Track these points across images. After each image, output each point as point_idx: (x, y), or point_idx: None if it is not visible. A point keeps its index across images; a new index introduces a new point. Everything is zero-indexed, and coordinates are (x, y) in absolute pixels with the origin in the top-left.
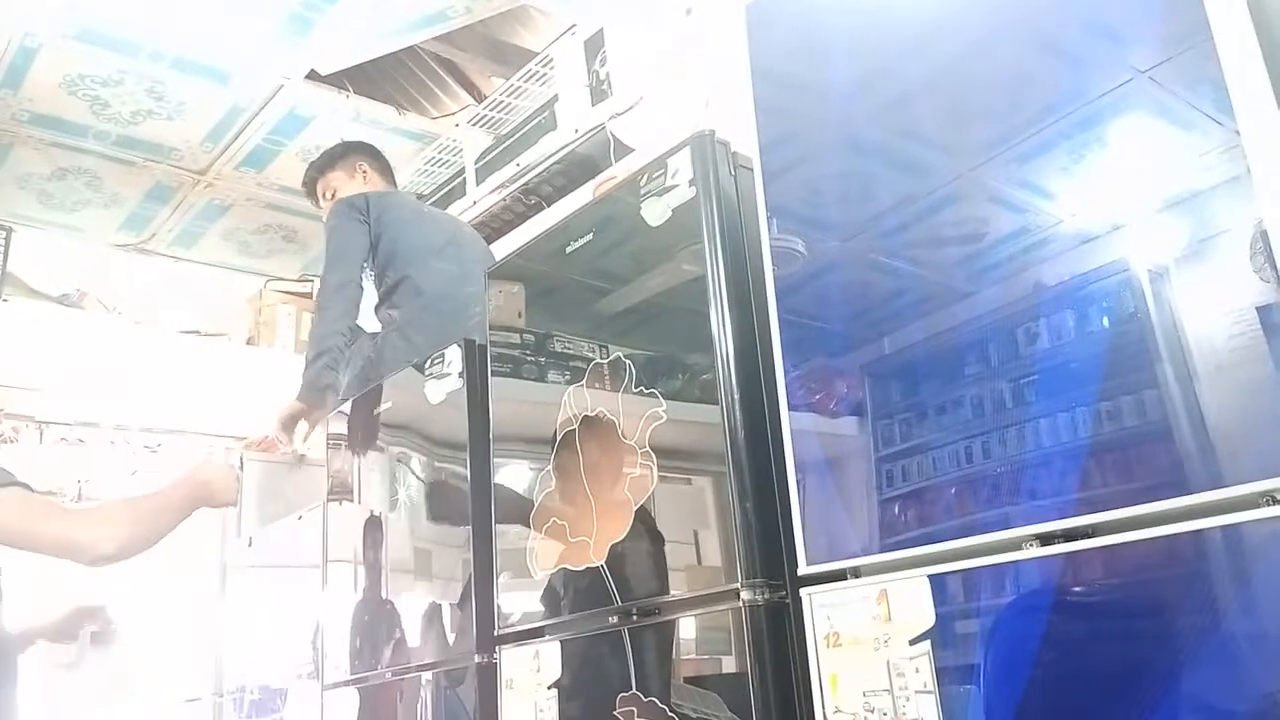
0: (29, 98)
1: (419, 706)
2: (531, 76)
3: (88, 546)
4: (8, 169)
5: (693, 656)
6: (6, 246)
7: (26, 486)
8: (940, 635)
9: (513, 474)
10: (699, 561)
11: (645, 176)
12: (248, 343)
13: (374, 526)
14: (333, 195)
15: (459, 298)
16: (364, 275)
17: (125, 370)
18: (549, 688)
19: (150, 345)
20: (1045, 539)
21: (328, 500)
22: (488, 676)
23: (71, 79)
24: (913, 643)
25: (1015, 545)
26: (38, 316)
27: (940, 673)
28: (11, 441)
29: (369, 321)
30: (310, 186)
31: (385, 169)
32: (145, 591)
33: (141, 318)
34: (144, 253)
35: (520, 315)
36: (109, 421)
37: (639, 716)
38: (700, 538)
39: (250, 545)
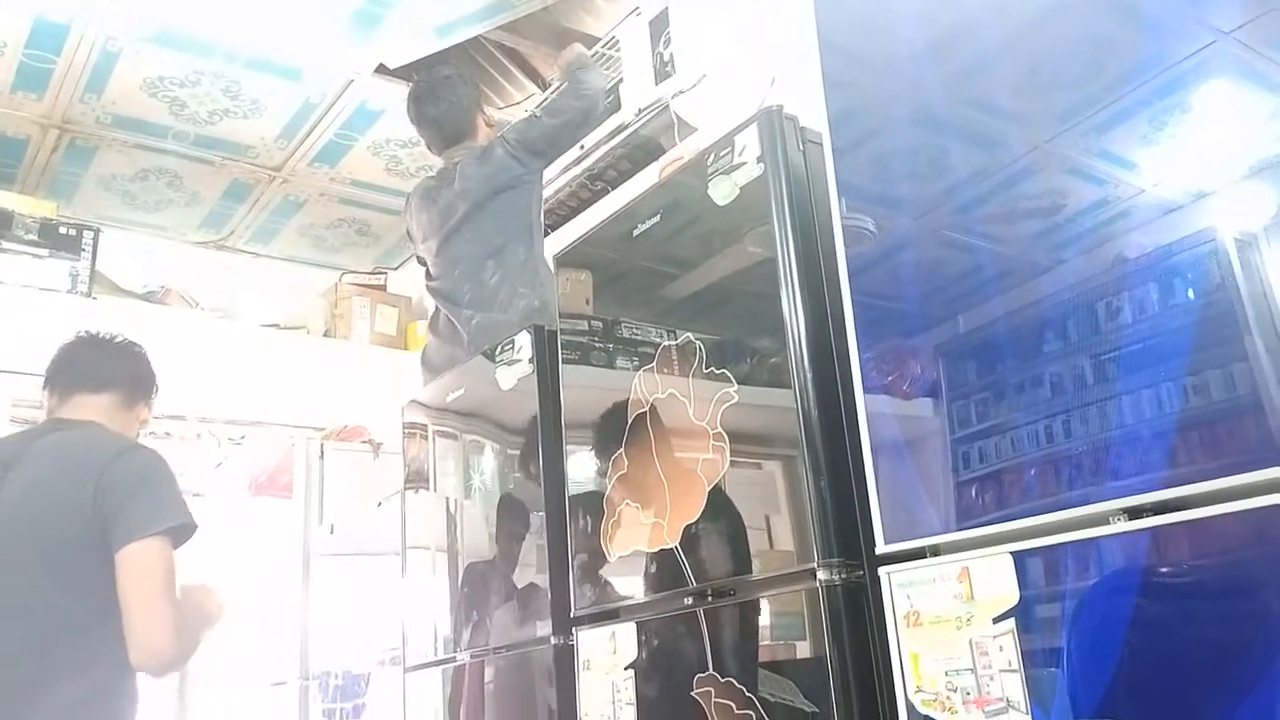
0: (112, 101)
1: (499, 687)
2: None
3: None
4: (94, 171)
5: (769, 638)
6: (95, 246)
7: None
8: (1024, 614)
9: (585, 458)
10: (773, 543)
11: (712, 155)
12: (325, 335)
13: (450, 512)
14: None
15: (467, 272)
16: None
17: (209, 364)
18: (626, 668)
19: (232, 339)
20: (1133, 513)
21: (405, 488)
22: (565, 658)
23: (151, 81)
24: (996, 621)
25: (1102, 520)
26: (124, 313)
27: (1025, 652)
28: None
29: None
30: None
31: (458, 129)
32: (232, 576)
33: (223, 312)
34: (223, 249)
35: (588, 302)
36: (195, 414)
37: (718, 697)
38: (775, 519)
39: (332, 533)
